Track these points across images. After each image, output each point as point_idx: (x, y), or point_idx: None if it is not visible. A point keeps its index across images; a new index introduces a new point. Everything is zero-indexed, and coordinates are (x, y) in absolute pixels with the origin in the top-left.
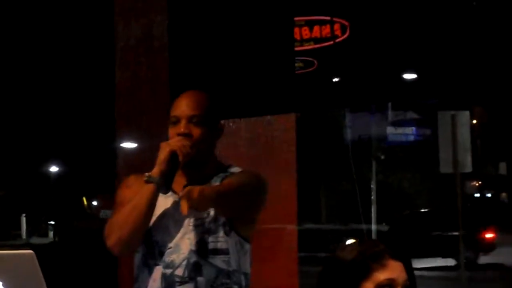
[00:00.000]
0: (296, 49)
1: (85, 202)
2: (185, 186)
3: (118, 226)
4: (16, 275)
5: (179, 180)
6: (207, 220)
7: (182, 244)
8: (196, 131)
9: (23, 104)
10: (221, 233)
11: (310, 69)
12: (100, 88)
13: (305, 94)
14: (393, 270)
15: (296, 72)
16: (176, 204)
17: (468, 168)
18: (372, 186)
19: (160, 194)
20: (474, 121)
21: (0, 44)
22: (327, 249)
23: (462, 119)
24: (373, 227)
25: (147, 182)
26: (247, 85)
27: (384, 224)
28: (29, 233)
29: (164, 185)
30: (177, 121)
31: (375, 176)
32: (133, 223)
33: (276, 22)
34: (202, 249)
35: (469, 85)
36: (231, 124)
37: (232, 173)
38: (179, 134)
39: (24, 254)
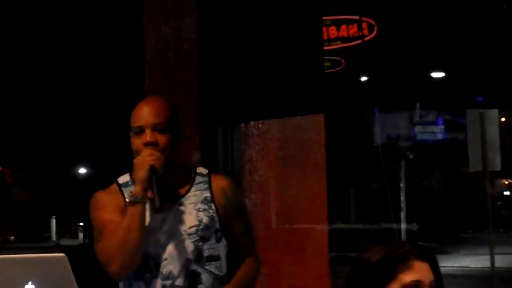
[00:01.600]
0: (323, 48)
1: None
2: (161, 196)
3: (118, 252)
4: (48, 278)
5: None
6: (200, 228)
7: (177, 254)
8: (161, 139)
9: (51, 107)
10: (213, 240)
11: (338, 69)
12: (129, 92)
13: (333, 94)
14: (418, 271)
15: (324, 71)
16: (160, 216)
17: (497, 166)
18: (401, 185)
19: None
20: (503, 119)
21: (30, 48)
22: (357, 249)
23: (491, 117)
24: (403, 226)
25: (132, 203)
26: (277, 86)
27: (414, 224)
28: (59, 235)
29: (159, 206)
30: (140, 131)
31: (404, 176)
32: (133, 247)
33: (304, 22)
34: (198, 257)
35: (499, 84)
36: (261, 125)
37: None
38: (145, 144)
39: (56, 257)
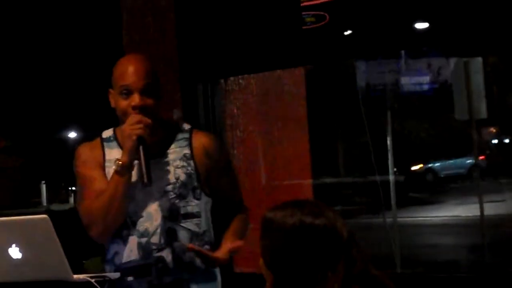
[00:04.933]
0: (307, 3)
1: None
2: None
3: (100, 218)
4: (32, 240)
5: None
6: (177, 185)
7: (153, 212)
8: (149, 102)
9: (38, 72)
10: (191, 197)
11: (322, 23)
12: (109, 52)
13: (317, 48)
14: None
15: (308, 27)
16: (139, 173)
17: (483, 114)
18: (388, 137)
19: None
20: (488, 69)
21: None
22: (346, 202)
23: (475, 66)
24: (391, 178)
25: (118, 172)
26: (255, 40)
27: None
28: (50, 200)
29: (147, 179)
30: (128, 92)
31: (390, 127)
32: (115, 215)
33: None
34: (174, 215)
35: (483, 34)
36: (241, 80)
37: (191, 134)
38: (134, 108)
39: (38, 219)
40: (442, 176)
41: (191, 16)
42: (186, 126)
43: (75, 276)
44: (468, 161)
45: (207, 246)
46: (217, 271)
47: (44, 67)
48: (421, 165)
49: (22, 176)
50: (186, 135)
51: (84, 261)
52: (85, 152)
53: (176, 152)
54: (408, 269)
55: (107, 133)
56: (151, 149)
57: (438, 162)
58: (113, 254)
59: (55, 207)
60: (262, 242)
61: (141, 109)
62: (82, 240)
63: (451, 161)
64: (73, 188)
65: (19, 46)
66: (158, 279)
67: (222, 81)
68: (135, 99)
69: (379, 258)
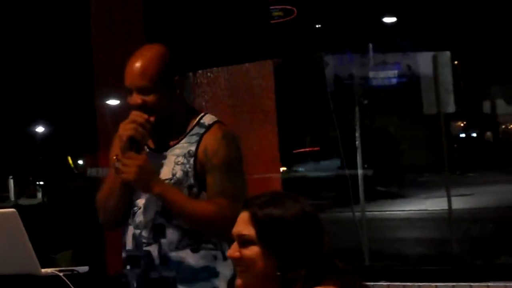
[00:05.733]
0: None
1: (71, 162)
2: (154, 148)
3: (102, 207)
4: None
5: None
6: (172, 182)
7: (149, 206)
8: (149, 99)
9: (4, 65)
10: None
11: (290, 17)
12: (77, 51)
13: (285, 41)
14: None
15: (276, 21)
16: None
17: (451, 108)
18: (356, 131)
19: None
20: (456, 62)
21: None
22: (315, 196)
23: (443, 60)
24: (359, 172)
25: (115, 169)
26: (223, 34)
27: (369, 169)
28: (18, 195)
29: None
30: (129, 91)
31: (359, 122)
32: (114, 206)
33: None
34: (166, 211)
35: (451, 26)
36: (209, 74)
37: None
38: (133, 107)
39: (6, 213)
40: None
41: (159, 9)
42: (210, 121)
43: (44, 270)
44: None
45: (208, 245)
46: (223, 267)
47: (10, 59)
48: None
49: None
50: (201, 131)
51: (53, 256)
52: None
53: (182, 148)
54: (377, 262)
55: None
56: (163, 142)
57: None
58: (123, 240)
59: (23, 201)
60: (263, 232)
61: (139, 107)
62: (52, 235)
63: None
64: (41, 183)
65: None
66: (145, 273)
67: (191, 74)
68: (133, 98)
69: (348, 251)
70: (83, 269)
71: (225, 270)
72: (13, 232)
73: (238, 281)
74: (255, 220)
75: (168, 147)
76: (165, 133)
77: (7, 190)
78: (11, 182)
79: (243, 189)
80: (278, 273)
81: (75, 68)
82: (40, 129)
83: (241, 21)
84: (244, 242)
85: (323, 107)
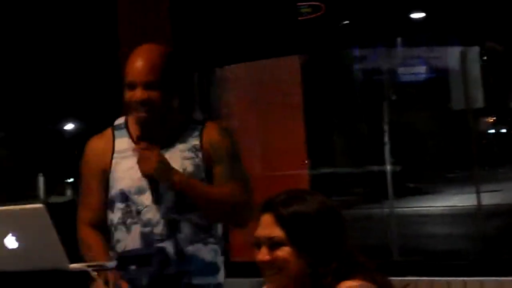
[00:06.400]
0: None
1: None
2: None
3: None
4: (28, 229)
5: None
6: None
7: (159, 202)
8: (153, 95)
9: (36, 63)
10: None
11: (318, 14)
12: (105, 44)
13: (313, 38)
14: (260, 225)
15: (304, 17)
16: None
17: (480, 103)
18: (385, 127)
19: (130, 156)
20: (485, 58)
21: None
22: (343, 192)
23: (471, 55)
24: (388, 168)
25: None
26: (251, 29)
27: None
28: (47, 193)
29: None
30: (132, 86)
31: (387, 117)
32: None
33: None
34: (179, 206)
35: (480, 21)
36: (236, 69)
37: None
38: (136, 102)
39: (35, 208)
40: None
41: (187, 5)
42: (199, 117)
43: (72, 265)
44: None
45: (211, 239)
46: (221, 263)
47: (39, 57)
48: None
49: (17, 169)
50: (198, 126)
51: None
52: (93, 150)
53: (186, 143)
54: (406, 257)
55: (119, 120)
56: (159, 139)
57: None
58: (115, 242)
59: (53, 199)
60: (293, 232)
61: (142, 103)
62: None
63: None
64: (70, 181)
65: (11, 36)
66: (160, 270)
67: (218, 69)
68: (137, 93)
69: (377, 247)
70: (112, 264)
71: (222, 266)
72: (41, 227)
73: (269, 286)
74: (282, 221)
75: (168, 143)
76: (161, 130)
77: (36, 188)
78: (41, 180)
79: (248, 177)
80: (310, 270)
81: (104, 67)
82: (69, 126)
83: (269, 17)
84: (274, 244)
85: (351, 103)
